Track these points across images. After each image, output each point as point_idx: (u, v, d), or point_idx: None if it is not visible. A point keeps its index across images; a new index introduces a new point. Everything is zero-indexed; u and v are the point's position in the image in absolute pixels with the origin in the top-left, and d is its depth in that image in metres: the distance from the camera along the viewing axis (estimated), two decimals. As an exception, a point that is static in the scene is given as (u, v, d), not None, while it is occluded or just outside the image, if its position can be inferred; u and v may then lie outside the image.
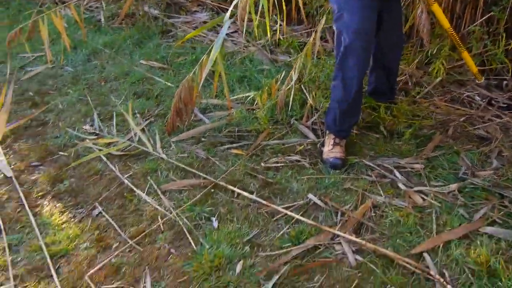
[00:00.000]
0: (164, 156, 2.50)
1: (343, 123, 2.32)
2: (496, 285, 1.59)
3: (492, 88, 2.86)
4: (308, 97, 2.69)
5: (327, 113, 2.38)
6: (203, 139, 2.63)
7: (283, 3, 2.30)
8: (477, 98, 2.76)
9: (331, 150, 2.31)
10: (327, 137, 2.39)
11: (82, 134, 2.79)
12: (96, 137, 2.76)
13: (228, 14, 2.19)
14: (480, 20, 2.87)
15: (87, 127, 2.87)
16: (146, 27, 4.19)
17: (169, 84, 3.22)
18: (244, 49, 3.63)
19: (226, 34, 3.81)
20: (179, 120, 2.65)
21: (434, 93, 2.84)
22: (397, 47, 2.50)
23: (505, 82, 2.87)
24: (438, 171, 2.18)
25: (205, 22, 4.15)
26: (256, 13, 2.12)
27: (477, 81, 2.69)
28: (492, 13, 2.80)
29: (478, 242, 1.75)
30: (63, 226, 2.11)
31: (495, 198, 2.00)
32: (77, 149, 2.63)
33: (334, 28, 2.24)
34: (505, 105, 2.71)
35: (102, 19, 4.52)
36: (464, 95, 2.79)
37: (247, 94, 2.89)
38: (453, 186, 2.05)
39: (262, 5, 2.09)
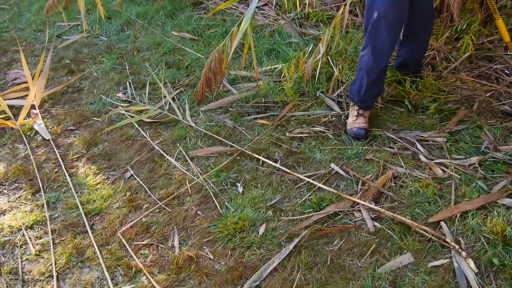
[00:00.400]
0: (192, 124, 2.57)
1: (368, 94, 2.33)
2: (510, 253, 1.62)
3: (522, 65, 2.81)
4: (335, 70, 2.71)
5: (353, 84, 2.39)
6: (230, 109, 2.69)
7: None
8: (506, 72, 2.71)
9: (355, 120, 2.34)
10: (351, 108, 2.42)
11: (115, 101, 2.90)
12: (128, 104, 2.86)
13: (258, -14, 2.22)
14: (513, -5, 2.81)
15: (120, 94, 2.97)
16: (178, -1, 4.24)
17: (199, 55, 3.28)
18: (273, 22, 3.64)
19: (257, 7, 3.83)
20: (208, 90, 2.73)
21: (461, 69, 2.81)
22: (429, 20, 2.47)
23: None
24: (460, 145, 2.18)
25: (236, -5, 4.16)
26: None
27: (508, 52, 2.62)
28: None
29: (495, 213, 1.77)
30: (97, 186, 2.23)
31: (516, 171, 2.01)
32: (110, 116, 2.74)
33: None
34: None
35: (135, -9, 4.58)
36: (492, 70, 2.75)
37: (274, 66, 2.93)
38: (474, 159, 2.06)
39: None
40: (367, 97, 2.34)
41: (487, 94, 2.55)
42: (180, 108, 2.74)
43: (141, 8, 4.21)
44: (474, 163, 2.04)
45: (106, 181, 2.26)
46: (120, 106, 2.83)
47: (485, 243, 1.68)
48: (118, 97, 2.94)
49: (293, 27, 3.46)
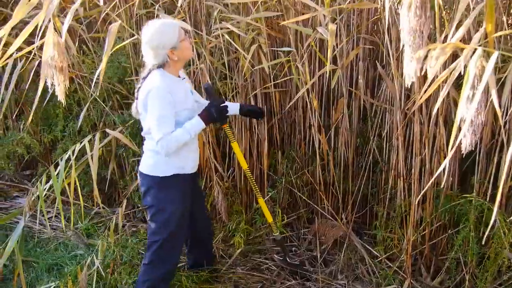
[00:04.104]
0: None
1: None
2: None
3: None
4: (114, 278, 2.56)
5: None
6: None
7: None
8: (273, 266, 2.90)
9: None
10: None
11: None
12: None
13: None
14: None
15: None
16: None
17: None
18: (62, 233, 3.42)
19: (45, 219, 3.61)
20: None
21: (237, 263, 2.94)
22: (209, 223, 2.75)
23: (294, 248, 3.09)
24: None
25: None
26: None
27: (273, 234, 2.76)
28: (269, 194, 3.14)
29: None
30: None
31: None
32: None
33: (152, 223, 2.29)
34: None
35: None
36: (258, 261, 2.95)
37: (50, 285, 2.63)
38: None
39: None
40: None
41: (258, 286, 2.66)
42: None
43: None
44: None
45: None
46: None
47: None
48: None
49: (81, 238, 3.29)
